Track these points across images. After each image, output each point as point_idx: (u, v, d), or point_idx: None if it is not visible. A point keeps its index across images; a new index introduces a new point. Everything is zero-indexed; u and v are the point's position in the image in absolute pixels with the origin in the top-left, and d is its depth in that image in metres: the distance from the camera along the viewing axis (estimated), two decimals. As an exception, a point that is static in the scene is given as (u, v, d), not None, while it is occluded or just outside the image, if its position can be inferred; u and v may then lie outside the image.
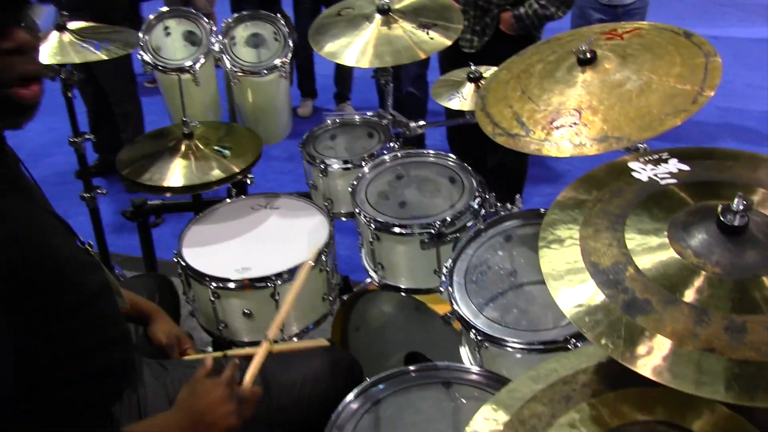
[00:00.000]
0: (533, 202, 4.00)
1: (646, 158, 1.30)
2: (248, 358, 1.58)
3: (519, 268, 1.88)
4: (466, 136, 3.73)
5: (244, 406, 1.46)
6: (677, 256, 1.07)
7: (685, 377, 0.93)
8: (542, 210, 1.85)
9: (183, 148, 2.40)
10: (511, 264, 1.89)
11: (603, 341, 0.98)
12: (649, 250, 1.09)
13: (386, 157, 2.27)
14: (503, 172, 3.59)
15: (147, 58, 2.85)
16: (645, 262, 1.08)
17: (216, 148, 2.41)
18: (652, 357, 0.96)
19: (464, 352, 1.81)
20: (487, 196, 2.06)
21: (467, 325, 1.65)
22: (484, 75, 2.42)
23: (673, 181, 1.23)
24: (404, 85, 4.57)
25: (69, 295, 1.30)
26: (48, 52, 2.28)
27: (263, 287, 2.01)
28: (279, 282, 2.01)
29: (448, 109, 2.69)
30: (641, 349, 0.97)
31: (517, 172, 3.68)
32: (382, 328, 2.50)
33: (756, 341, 0.95)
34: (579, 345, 1.55)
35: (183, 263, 2.13)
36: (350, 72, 5.39)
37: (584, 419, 1.12)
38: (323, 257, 2.10)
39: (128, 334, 1.57)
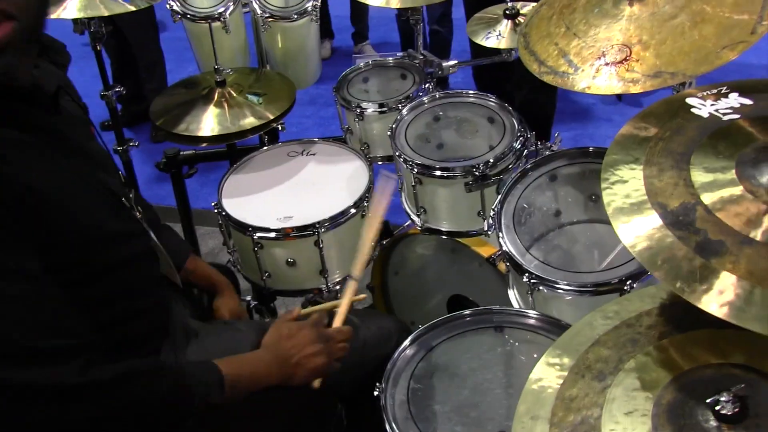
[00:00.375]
0: (562, 138, 3.94)
1: (705, 93, 1.26)
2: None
3: (564, 209, 1.86)
4: (494, 74, 3.67)
5: (333, 346, 1.49)
6: (748, 194, 1.04)
7: (761, 319, 0.91)
8: (590, 148, 1.81)
9: (216, 96, 2.37)
10: (556, 204, 1.86)
11: (678, 284, 0.96)
12: (718, 188, 1.06)
13: (424, 99, 2.23)
14: (532, 110, 3.53)
15: (176, 7, 2.80)
16: (715, 201, 1.04)
17: (249, 95, 2.38)
18: (728, 298, 0.94)
19: (512, 294, 1.80)
20: (528, 135, 2.02)
21: (520, 269, 1.63)
22: (521, 11, 2.35)
23: (736, 116, 1.18)
24: (428, 23, 4.48)
25: (82, 266, 1.24)
26: (76, 6, 2.24)
27: (307, 235, 2.00)
28: (322, 230, 2.00)
29: (475, 47, 2.63)
30: (716, 291, 0.95)
31: (546, 109, 3.61)
32: (420, 272, 2.50)
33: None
34: (634, 287, 1.53)
35: (224, 213, 2.12)
36: (366, 10, 5.30)
37: (654, 362, 1.11)
38: (365, 203, 2.08)
39: (162, 303, 1.50)
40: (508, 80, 3.47)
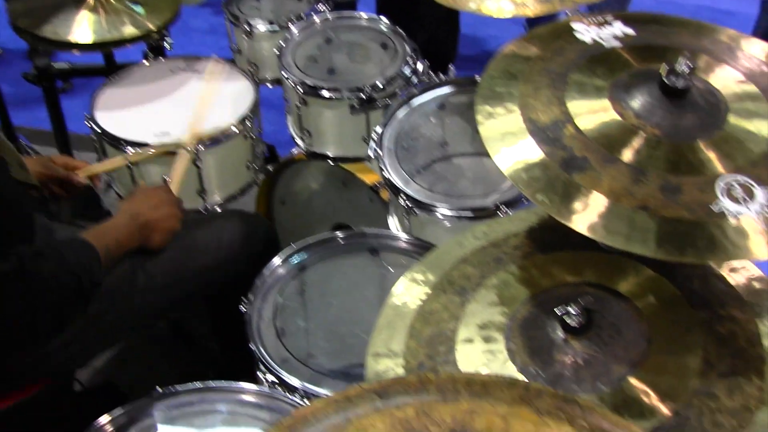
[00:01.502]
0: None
1: (590, 20, 1.26)
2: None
3: (451, 139, 1.85)
4: (396, 6, 3.61)
5: (180, 211, 1.54)
6: (618, 116, 1.05)
7: (618, 233, 0.93)
8: (478, 77, 1.80)
9: (90, 0, 2.21)
10: (443, 134, 1.85)
11: (539, 197, 0.96)
12: (590, 109, 1.07)
13: (316, 19, 2.16)
14: (433, 49, 3.50)
15: None
16: (585, 121, 1.05)
17: (129, 2, 2.24)
18: (587, 214, 0.95)
19: (392, 222, 1.79)
20: (420, 64, 1.99)
21: (396, 191, 1.62)
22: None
23: (618, 44, 1.19)
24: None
25: None
26: None
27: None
28: (201, 148, 1.92)
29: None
30: (577, 206, 0.95)
31: (447, 49, 3.59)
32: (308, 202, 2.45)
33: (689, 201, 0.95)
34: (510, 213, 1.54)
35: (97, 128, 2.00)
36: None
37: (515, 280, 1.12)
38: (248, 122, 2.01)
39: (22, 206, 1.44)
40: (407, 16, 3.42)
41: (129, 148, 1.92)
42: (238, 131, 1.98)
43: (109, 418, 1.24)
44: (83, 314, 1.36)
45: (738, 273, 1.12)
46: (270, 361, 1.34)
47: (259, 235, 1.70)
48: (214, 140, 1.94)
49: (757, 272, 1.12)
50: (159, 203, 1.50)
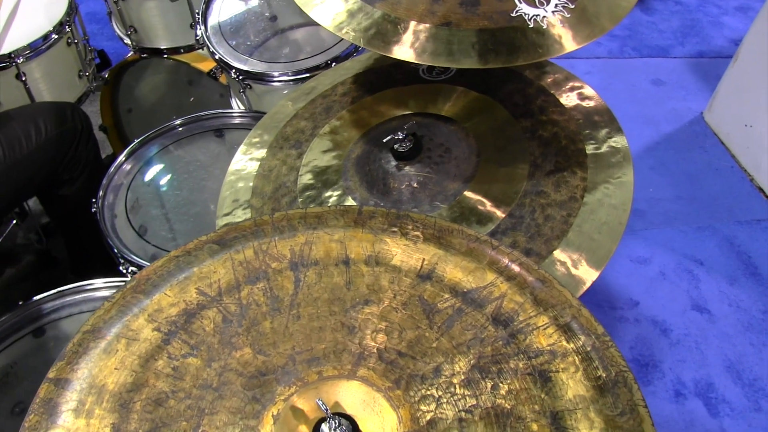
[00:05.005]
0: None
1: None
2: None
3: (279, 13, 1.82)
4: None
5: None
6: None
7: (426, 52, 0.95)
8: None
9: None
10: (269, 9, 1.82)
11: (345, 31, 0.97)
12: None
13: None
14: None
15: None
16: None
17: None
18: (395, 38, 0.96)
19: (234, 102, 1.77)
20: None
21: (228, 67, 1.59)
22: None
23: None
24: None
25: None
26: None
27: (4, 67, 1.81)
28: (21, 60, 1.81)
29: None
30: (384, 33, 0.97)
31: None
32: (155, 106, 2.38)
33: (488, 11, 0.98)
34: (342, 69, 1.55)
35: None
36: None
37: (345, 124, 1.14)
38: (67, 28, 1.90)
39: None
40: None
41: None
42: (57, 36, 1.87)
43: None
44: None
45: (554, 79, 1.18)
46: (135, 257, 1.33)
47: (68, 114, 1.71)
48: (35, 49, 1.83)
49: (574, 78, 1.18)
50: None
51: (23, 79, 1.83)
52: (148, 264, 1.30)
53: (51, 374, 0.73)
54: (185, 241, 1.38)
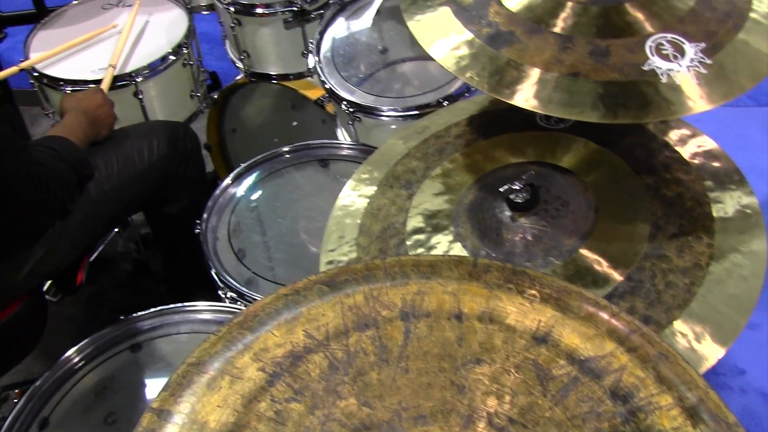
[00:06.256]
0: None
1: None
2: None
3: (390, 45, 1.82)
4: None
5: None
6: (542, -12, 1.03)
7: (552, 102, 0.92)
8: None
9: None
10: (381, 41, 1.82)
11: (469, 75, 0.95)
12: (514, -16, 1.04)
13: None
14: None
15: None
16: (511, -2, 1.03)
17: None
18: (519, 86, 0.94)
19: (340, 133, 1.77)
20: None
21: (338, 98, 1.59)
22: None
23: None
24: None
25: None
26: None
27: (124, 85, 1.87)
28: (139, 78, 1.87)
29: None
30: (508, 79, 0.94)
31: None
32: (258, 128, 2.42)
33: (618, 63, 0.94)
34: (451, 108, 1.53)
35: (34, 72, 1.94)
36: None
37: (458, 167, 1.12)
38: (184, 50, 1.96)
39: None
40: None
41: (68, 88, 1.87)
42: (175, 58, 1.93)
43: (76, 348, 1.25)
44: (52, 226, 1.41)
45: (680, 136, 1.13)
46: (232, 281, 1.34)
47: (180, 134, 1.76)
48: (153, 69, 1.89)
49: (700, 134, 1.13)
50: (100, 101, 1.62)
51: (140, 97, 1.90)
52: (244, 289, 1.32)
53: (154, 404, 0.72)
54: (284, 270, 1.39)
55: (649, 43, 0.95)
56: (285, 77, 2.02)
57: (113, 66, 1.86)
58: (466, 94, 1.54)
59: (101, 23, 2.10)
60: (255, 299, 1.30)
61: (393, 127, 1.57)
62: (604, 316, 0.78)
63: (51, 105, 2.03)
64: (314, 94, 1.98)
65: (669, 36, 0.95)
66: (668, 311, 0.91)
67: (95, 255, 1.93)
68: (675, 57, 0.94)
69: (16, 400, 1.21)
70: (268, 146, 2.30)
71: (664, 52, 0.94)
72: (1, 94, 2.49)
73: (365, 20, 1.80)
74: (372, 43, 1.79)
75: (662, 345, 0.75)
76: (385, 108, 1.56)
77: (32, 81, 1.99)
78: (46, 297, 1.59)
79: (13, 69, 1.92)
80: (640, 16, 0.98)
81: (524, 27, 0.97)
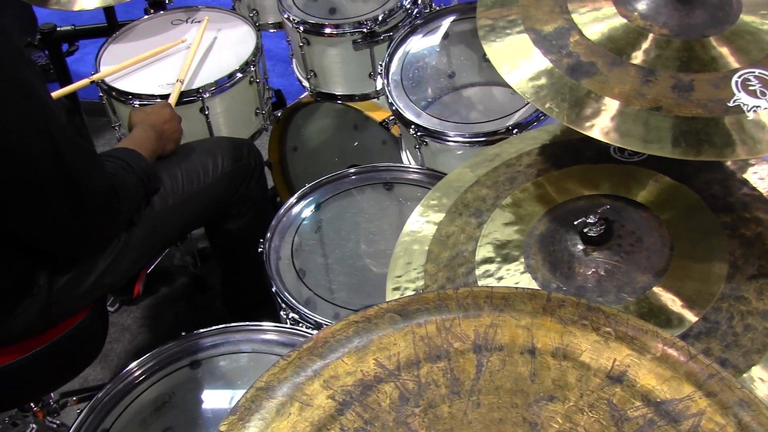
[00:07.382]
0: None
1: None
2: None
3: (458, 69, 1.82)
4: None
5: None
6: (623, 19, 1.01)
7: (632, 136, 0.90)
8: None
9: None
10: (449, 64, 1.82)
11: (548, 105, 0.94)
12: (594, 14, 1.03)
13: (313, -42, 2.10)
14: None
15: None
16: (590, 26, 1.02)
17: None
18: (599, 118, 0.92)
19: (405, 156, 1.77)
20: (420, -6, 1.95)
21: (405, 122, 1.59)
22: None
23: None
24: None
25: None
26: None
27: (191, 101, 1.90)
28: (206, 95, 1.90)
29: None
30: (588, 111, 0.93)
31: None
32: (320, 147, 2.44)
33: (702, 98, 0.92)
34: (521, 134, 1.52)
35: (104, 85, 1.99)
36: None
37: (530, 197, 1.10)
38: (252, 68, 1.99)
39: None
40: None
41: (136, 101, 1.91)
42: (242, 75, 1.95)
43: (138, 362, 1.26)
44: (117, 238, 1.44)
45: (760, 174, 1.09)
46: (293, 301, 1.34)
47: (244, 151, 1.78)
48: (220, 86, 1.92)
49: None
50: (168, 116, 1.65)
51: (206, 113, 1.92)
52: (303, 308, 1.32)
53: (222, 427, 0.72)
54: (345, 294, 1.39)
55: (735, 78, 0.93)
56: (350, 98, 2.03)
57: (181, 81, 1.90)
58: (535, 123, 1.52)
59: (170, 38, 2.15)
60: (316, 321, 1.30)
61: (459, 152, 1.56)
62: (682, 358, 0.76)
63: (118, 117, 2.08)
64: (379, 115, 1.98)
65: (756, 71, 0.93)
66: (746, 355, 0.87)
67: (152, 267, 1.94)
68: (763, 93, 0.92)
69: (78, 411, 1.23)
70: (328, 165, 2.33)
71: (751, 87, 0.92)
72: (70, 106, 2.55)
73: (435, 43, 1.80)
74: (441, 67, 1.79)
75: (743, 392, 0.72)
76: (451, 133, 1.55)
77: (101, 94, 2.04)
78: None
79: (85, 81, 1.97)
80: (725, 50, 0.95)
81: (605, 59, 0.96)
